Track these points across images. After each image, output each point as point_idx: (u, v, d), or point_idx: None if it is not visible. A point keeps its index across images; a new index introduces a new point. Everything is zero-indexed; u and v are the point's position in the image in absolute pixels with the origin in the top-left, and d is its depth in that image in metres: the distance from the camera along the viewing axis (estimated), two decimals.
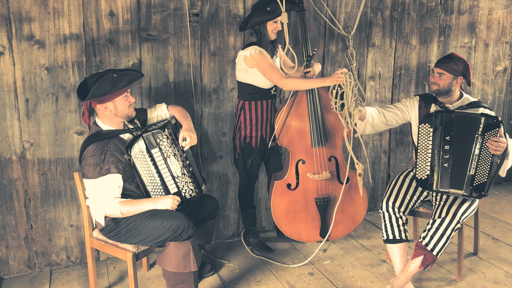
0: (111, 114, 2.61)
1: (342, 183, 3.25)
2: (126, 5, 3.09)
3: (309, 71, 3.16)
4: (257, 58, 3.08)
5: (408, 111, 3.07)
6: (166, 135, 2.68)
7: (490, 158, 2.70)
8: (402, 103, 3.10)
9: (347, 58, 3.62)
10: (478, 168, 2.74)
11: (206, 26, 3.32)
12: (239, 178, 3.40)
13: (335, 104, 3.01)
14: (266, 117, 3.25)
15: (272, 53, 3.19)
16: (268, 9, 3.01)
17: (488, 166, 2.71)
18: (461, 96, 2.96)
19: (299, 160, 3.21)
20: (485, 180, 2.72)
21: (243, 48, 3.15)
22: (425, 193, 3.04)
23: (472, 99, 2.95)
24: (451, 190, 2.81)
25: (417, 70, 4.05)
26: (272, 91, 3.23)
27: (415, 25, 3.97)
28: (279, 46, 3.32)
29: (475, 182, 2.75)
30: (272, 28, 3.08)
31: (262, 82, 3.16)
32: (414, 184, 3.02)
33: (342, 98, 2.99)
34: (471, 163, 2.75)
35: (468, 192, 2.77)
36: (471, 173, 2.75)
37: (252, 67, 3.10)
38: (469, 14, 4.16)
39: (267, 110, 3.25)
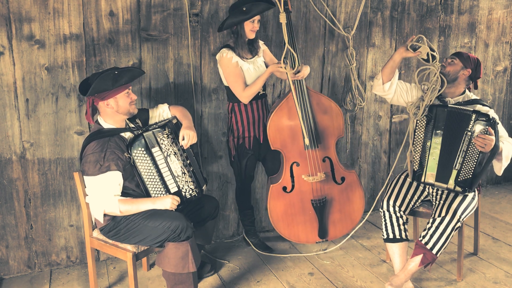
0: (113, 111, 2.61)
1: (338, 183, 3.25)
2: (126, 5, 3.10)
3: (298, 75, 3.07)
4: (223, 63, 3.11)
5: (413, 94, 3.07)
6: (166, 134, 2.68)
7: (477, 155, 2.71)
8: (412, 85, 3.09)
9: (347, 58, 3.62)
10: (464, 164, 2.76)
11: (206, 26, 3.33)
12: (235, 180, 3.40)
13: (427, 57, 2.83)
14: (258, 118, 3.24)
15: (252, 53, 3.19)
16: (244, 9, 3.00)
17: (474, 163, 2.73)
18: (463, 92, 2.98)
19: (293, 162, 3.20)
20: (470, 176, 2.74)
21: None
22: (425, 193, 3.04)
23: (473, 97, 2.96)
24: (436, 183, 2.86)
25: (418, 69, 4.05)
26: (260, 91, 3.23)
27: (415, 25, 3.97)
28: (262, 44, 3.31)
29: (459, 177, 2.77)
30: (250, 27, 3.07)
31: (246, 82, 3.16)
32: (414, 183, 3.02)
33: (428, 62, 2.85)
34: (458, 158, 2.78)
35: (452, 187, 2.81)
36: (456, 168, 2.78)
37: None
38: (469, 14, 4.16)
39: (258, 110, 3.24)
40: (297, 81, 3.10)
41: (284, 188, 3.22)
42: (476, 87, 3.01)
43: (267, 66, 3.27)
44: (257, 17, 3.07)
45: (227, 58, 3.08)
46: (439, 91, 2.87)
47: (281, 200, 3.22)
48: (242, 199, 3.43)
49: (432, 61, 2.83)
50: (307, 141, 3.10)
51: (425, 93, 2.89)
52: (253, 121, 3.23)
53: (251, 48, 3.19)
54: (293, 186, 3.22)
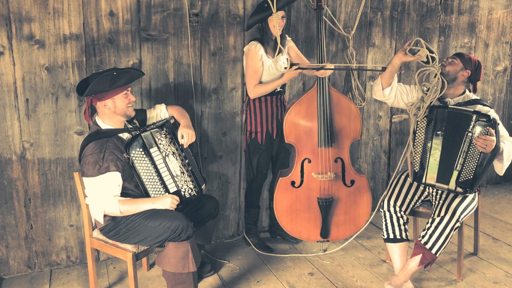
0: (111, 112, 2.61)
1: (347, 185, 3.25)
2: (126, 5, 3.10)
3: (320, 71, 3.09)
4: (248, 55, 3.16)
5: (413, 95, 3.07)
6: (164, 134, 2.68)
7: (478, 156, 2.71)
8: (412, 87, 3.09)
9: (347, 58, 3.62)
10: (465, 165, 2.76)
11: (206, 26, 3.33)
12: (245, 174, 3.39)
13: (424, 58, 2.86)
14: (272, 113, 3.26)
15: (274, 51, 3.19)
16: (266, 5, 3.03)
17: (475, 164, 2.73)
18: (464, 93, 2.98)
19: (305, 158, 3.21)
20: (471, 177, 2.74)
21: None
22: (425, 193, 3.04)
23: (473, 97, 2.96)
24: (437, 184, 2.86)
25: (417, 70, 4.05)
26: (277, 88, 3.24)
27: (415, 25, 3.97)
28: (289, 41, 3.32)
29: (461, 178, 2.78)
30: (273, 24, 3.09)
31: (264, 78, 3.17)
32: (415, 184, 3.02)
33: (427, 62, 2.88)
34: (459, 159, 2.78)
35: (453, 188, 2.81)
36: (457, 169, 2.79)
37: None
38: (469, 14, 4.16)
39: (272, 106, 3.26)
40: (319, 78, 3.12)
41: (293, 183, 3.22)
42: (475, 90, 3.00)
43: (291, 62, 3.27)
44: (281, 13, 3.06)
45: (255, 51, 3.12)
46: (440, 92, 2.86)
47: (288, 194, 3.23)
48: (250, 196, 3.43)
49: (432, 63, 2.83)
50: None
51: (426, 94, 2.89)
52: (267, 116, 3.25)
53: (275, 45, 3.18)
54: (301, 182, 3.23)
